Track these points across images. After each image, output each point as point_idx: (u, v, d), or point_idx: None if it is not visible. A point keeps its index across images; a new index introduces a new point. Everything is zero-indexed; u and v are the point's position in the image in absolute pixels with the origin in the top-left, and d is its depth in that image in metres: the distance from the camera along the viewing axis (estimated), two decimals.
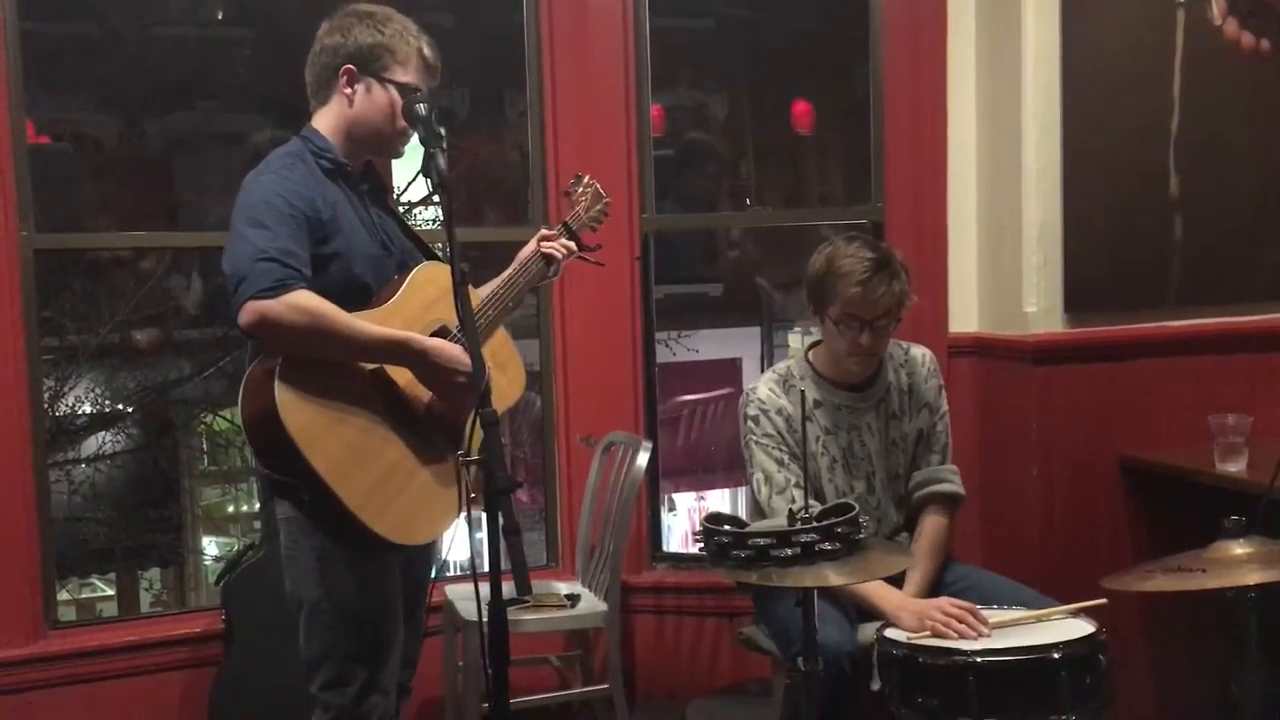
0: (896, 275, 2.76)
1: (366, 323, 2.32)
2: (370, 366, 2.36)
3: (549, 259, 2.70)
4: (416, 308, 2.43)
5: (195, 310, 6.66)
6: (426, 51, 2.47)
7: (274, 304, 2.20)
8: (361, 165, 2.55)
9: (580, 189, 2.88)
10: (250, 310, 2.20)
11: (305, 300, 2.23)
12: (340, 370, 2.31)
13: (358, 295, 2.37)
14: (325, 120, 2.48)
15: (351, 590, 2.39)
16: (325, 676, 2.42)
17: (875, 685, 2.54)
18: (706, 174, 7.31)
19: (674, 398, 7.68)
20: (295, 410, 2.23)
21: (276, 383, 2.22)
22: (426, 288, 2.46)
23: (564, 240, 2.74)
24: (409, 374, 2.38)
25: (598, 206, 2.87)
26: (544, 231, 2.76)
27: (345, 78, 2.44)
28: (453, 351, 2.36)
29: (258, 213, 2.29)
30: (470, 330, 2.02)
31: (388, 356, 2.35)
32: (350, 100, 2.45)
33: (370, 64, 2.43)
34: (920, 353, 2.98)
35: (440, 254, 2.57)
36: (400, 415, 2.38)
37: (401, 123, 2.44)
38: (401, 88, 2.43)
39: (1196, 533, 2.50)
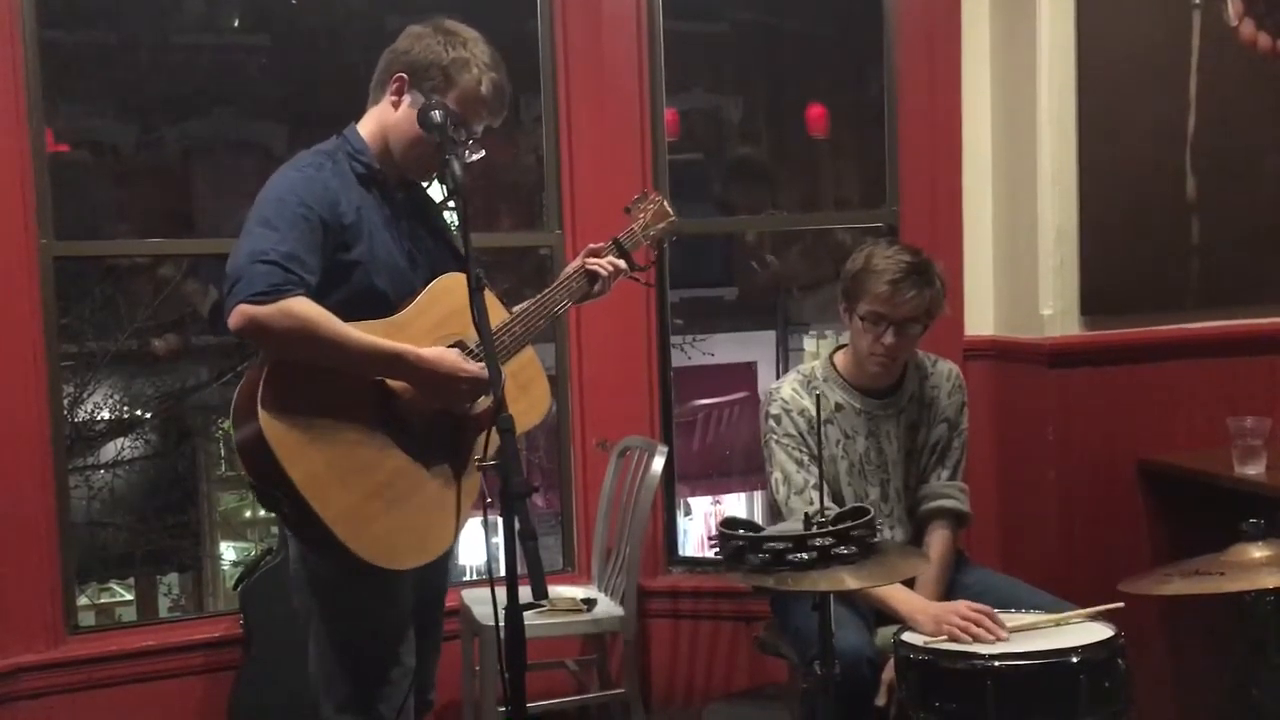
0: (930, 283, 2.76)
1: (363, 334, 2.21)
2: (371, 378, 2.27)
3: (593, 276, 2.57)
4: (431, 321, 2.33)
5: (213, 316, 6.70)
6: (486, 88, 2.35)
7: (264, 309, 2.12)
8: (400, 174, 2.43)
9: (644, 204, 2.74)
10: (240, 313, 2.13)
11: (299, 307, 2.14)
12: (336, 381, 2.22)
13: (375, 306, 2.28)
14: (368, 123, 2.41)
15: (347, 614, 2.33)
16: (329, 696, 2.38)
17: (880, 701, 2.54)
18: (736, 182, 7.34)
19: (689, 401, 7.68)
20: (278, 419, 2.15)
21: (261, 389, 2.15)
22: (445, 300, 2.35)
23: (611, 258, 2.60)
24: (410, 387, 2.28)
25: (660, 225, 2.73)
26: (591, 247, 2.63)
27: (396, 85, 2.36)
28: (451, 359, 2.26)
29: (269, 211, 2.21)
30: (486, 336, 1.99)
31: (382, 369, 2.25)
32: (395, 107, 2.37)
33: (423, 79, 2.34)
34: (948, 368, 2.96)
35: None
36: (400, 431, 2.28)
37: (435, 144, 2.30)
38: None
39: (1215, 536, 2.49)
